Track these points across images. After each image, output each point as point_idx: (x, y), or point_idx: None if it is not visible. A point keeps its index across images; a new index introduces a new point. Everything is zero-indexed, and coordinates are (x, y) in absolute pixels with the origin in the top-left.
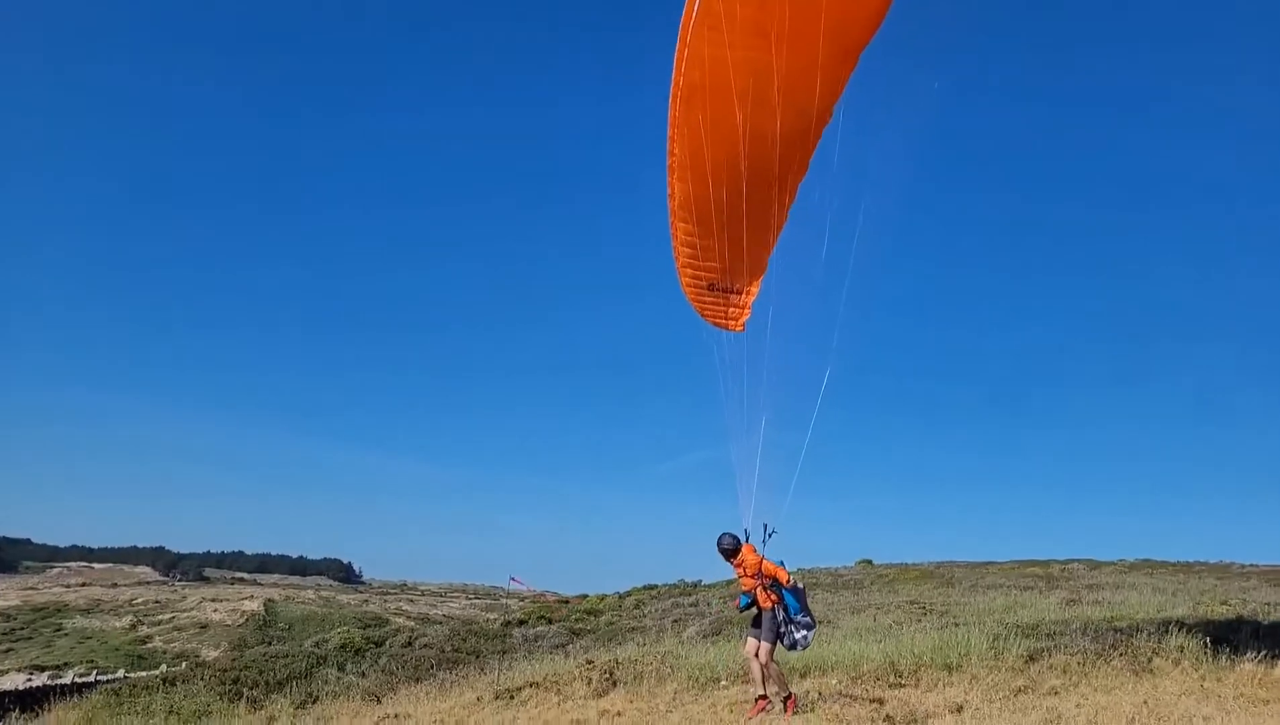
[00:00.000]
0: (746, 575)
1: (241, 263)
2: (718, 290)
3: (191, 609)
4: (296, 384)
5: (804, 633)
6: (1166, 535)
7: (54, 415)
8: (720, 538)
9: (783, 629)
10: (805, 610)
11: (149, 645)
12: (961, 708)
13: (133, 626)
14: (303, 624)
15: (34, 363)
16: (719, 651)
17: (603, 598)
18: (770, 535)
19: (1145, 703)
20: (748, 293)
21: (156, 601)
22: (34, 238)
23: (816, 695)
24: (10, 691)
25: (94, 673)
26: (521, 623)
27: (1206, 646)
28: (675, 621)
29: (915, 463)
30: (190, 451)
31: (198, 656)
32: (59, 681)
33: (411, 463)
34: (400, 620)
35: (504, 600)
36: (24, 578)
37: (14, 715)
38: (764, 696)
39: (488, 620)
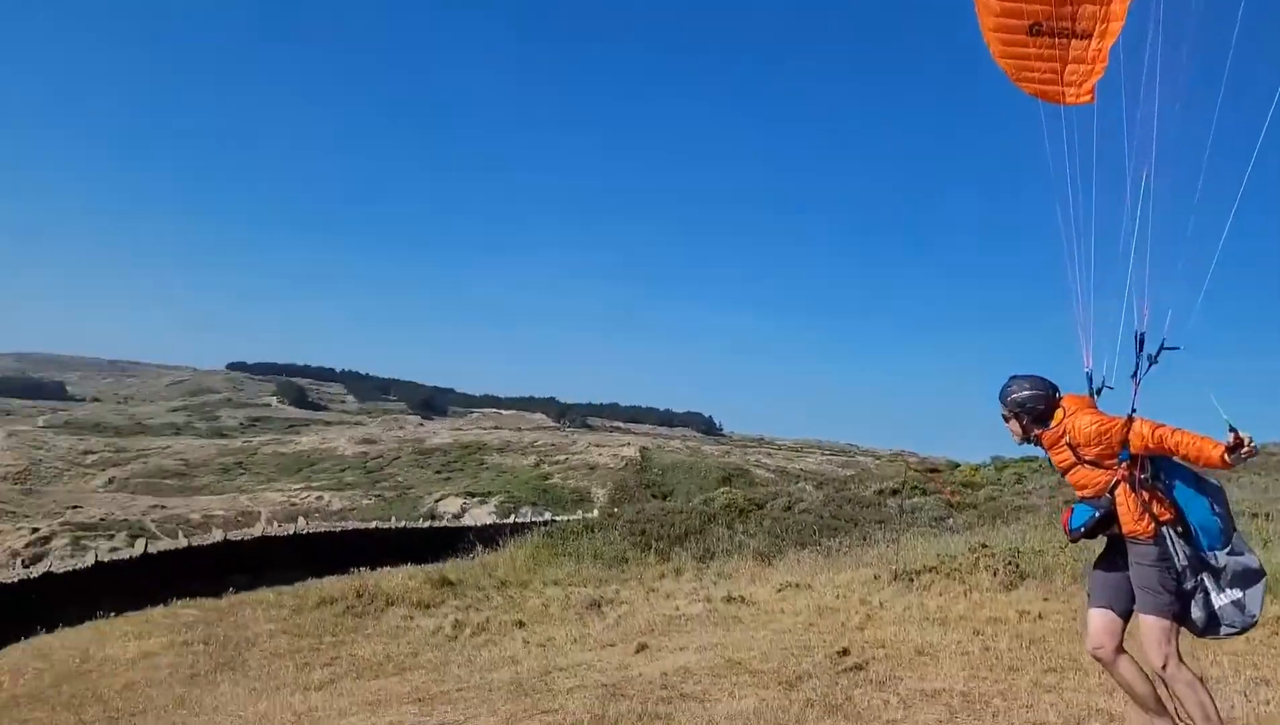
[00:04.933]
0: (1083, 460)
1: None
2: (1044, 33)
3: (581, 452)
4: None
5: (1236, 593)
6: None
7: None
8: (1006, 387)
9: (1188, 581)
10: (1233, 536)
11: (550, 482)
12: None
13: (536, 464)
14: (674, 469)
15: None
16: None
17: (976, 468)
18: (1158, 356)
19: None
20: (1100, 36)
21: (553, 444)
22: None
23: None
24: (475, 527)
25: (519, 509)
26: (895, 492)
27: None
28: (1067, 502)
29: None
30: (573, 315)
31: (588, 493)
32: (506, 521)
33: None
34: (760, 472)
35: (859, 458)
36: (451, 420)
37: (479, 548)
38: None
39: (858, 485)
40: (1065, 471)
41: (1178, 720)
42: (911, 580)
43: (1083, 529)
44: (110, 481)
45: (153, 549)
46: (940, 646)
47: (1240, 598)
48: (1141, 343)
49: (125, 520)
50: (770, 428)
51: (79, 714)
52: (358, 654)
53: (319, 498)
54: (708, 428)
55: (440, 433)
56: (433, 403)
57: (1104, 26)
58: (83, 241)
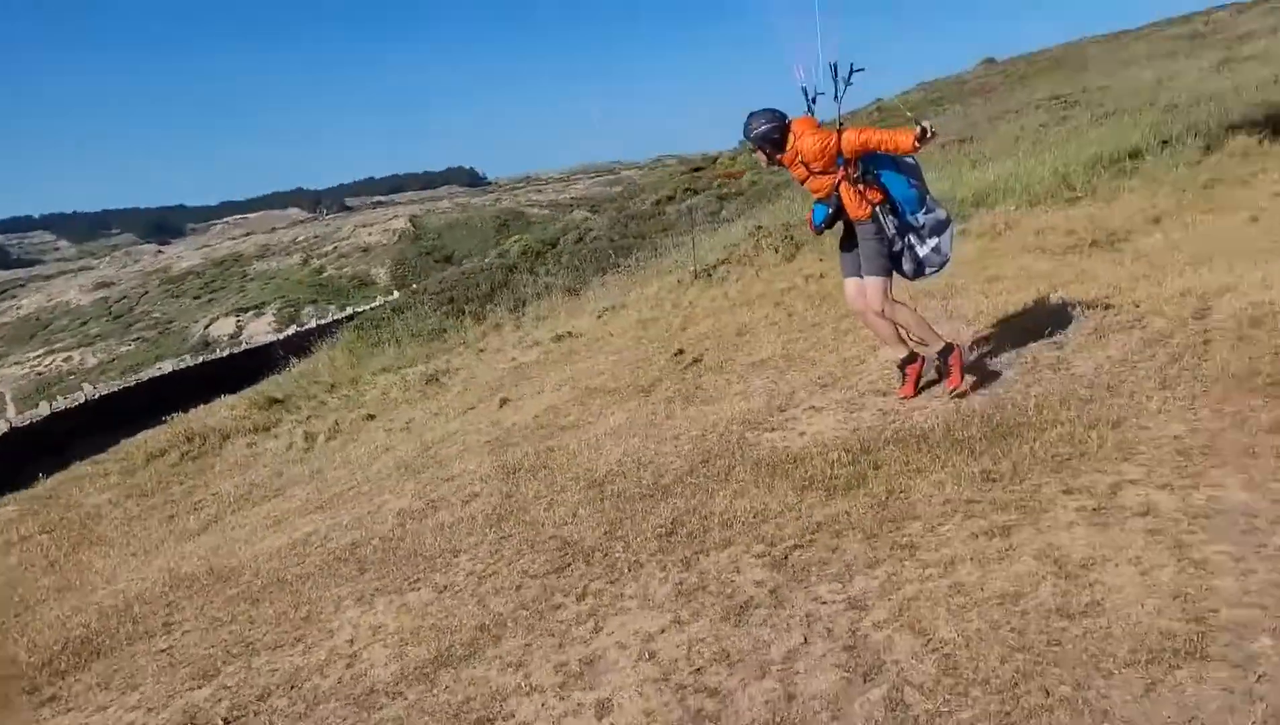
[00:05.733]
0: (813, 172)
1: None
2: None
3: (348, 236)
4: None
5: (934, 240)
6: None
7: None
8: (747, 124)
9: (897, 244)
10: (926, 199)
11: (324, 275)
12: (1159, 218)
13: (304, 261)
14: (449, 230)
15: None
16: None
17: (733, 157)
18: (851, 77)
19: None
20: None
21: (315, 236)
22: None
23: (1000, 229)
24: (280, 341)
25: (301, 312)
26: (670, 199)
27: None
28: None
29: None
30: (302, 91)
31: (369, 276)
32: (306, 327)
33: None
34: (534, 211)
35: (624, 173)
36: (194, 238)
37: (292, 359)
38: (912, 358)
39: (635, 201)
40: (803, 181)
41: (908, 341)
42: (710, 274)
43: (822, 225)
44: None
45: None
46: (753, 323)
47: (937, 243)
48: (835, 70)
49: None
50: (535, 164)
51: None
52: (221, 490)
53: (67, 359)
54: (472, 180)
55: (187, 255)
56: (165, 225)
57: None
58: None
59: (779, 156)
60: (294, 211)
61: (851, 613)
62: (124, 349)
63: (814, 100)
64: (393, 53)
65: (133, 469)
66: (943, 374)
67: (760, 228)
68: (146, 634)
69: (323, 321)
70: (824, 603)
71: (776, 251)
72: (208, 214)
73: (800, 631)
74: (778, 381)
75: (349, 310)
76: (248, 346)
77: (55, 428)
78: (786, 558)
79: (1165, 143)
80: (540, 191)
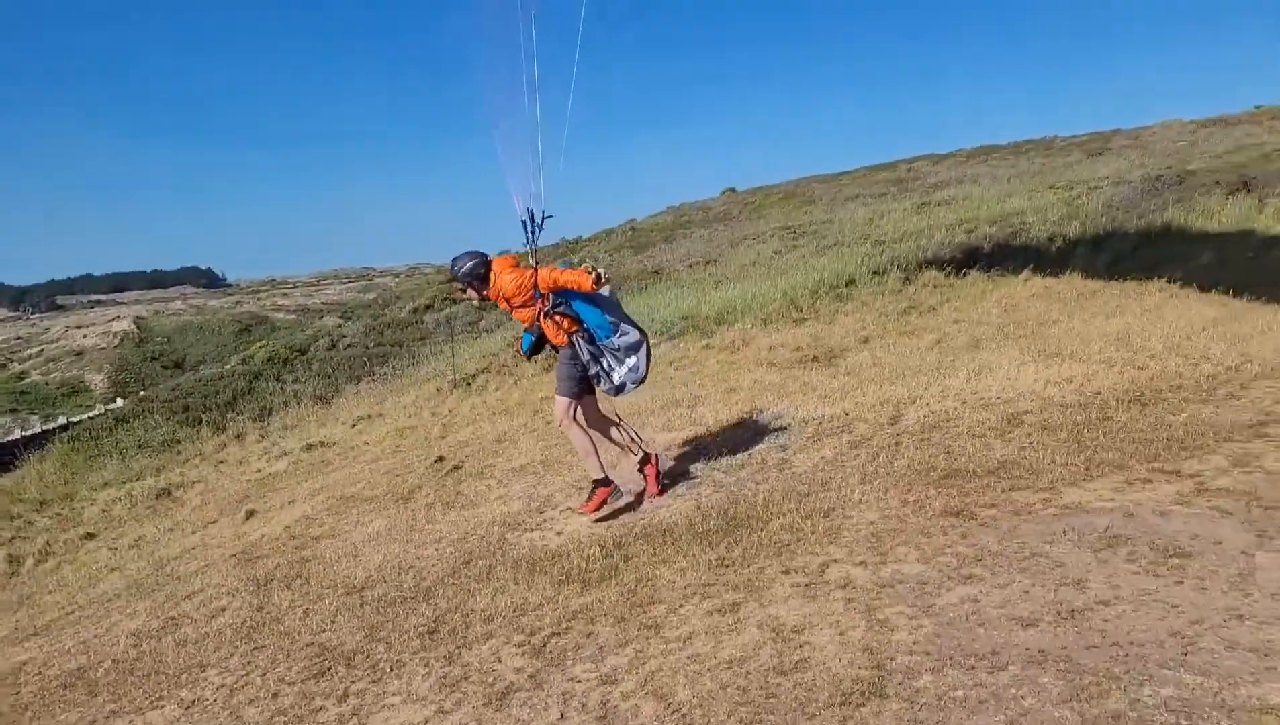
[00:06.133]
0: (514, 306)
1: None
2: None
3: (58, 338)
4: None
5: (631, 359)
6: (999, 117)
7: None
8: (454, 264)
9: (593, 368)
10: (620, 322)
11: (26, 380)
12: (868, 339)
13: (3, 365)
14: (180, 334)
15: None
16: (633, 308)
17: None
18: (541, 224)
19: (1005, 309)
20: None
21: (19, 337)
22: None
23: (739, 345)
24: None
25: (31, 423)
26: (428, 307)
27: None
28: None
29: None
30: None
31: (83, 383)
32: (10, 438)
33: (255, 153)
34: (280, 316)
35: (378, 279)
36: None
37: None
38: (603, 481)
39: (391, 308)
40: (510, 312)
41: (630, 447)
42: (469, 383)
43: (529, 350)
44: None
45: None
46: (512, 431)
47: (634, 361)
48: (531, 217)
49: None
50: (281, 267)
51: None
52: None
53: None
54: (210, 281)
55: None
56: None
57: None
58: None
59: (485, 292)
60: None
61: (604, 687)
62: None
63: (540, 226)
64: (118, 139)
65: None
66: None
67: (519, 338)
68: None
69: (26, 432)
70: (579, 681)
71: (535, 362)
72: None
73: (558, 708)
74: (536, 485)
75: (62, 420)
76: None
77: None
78: (545, 645)
79: (875, 273)
80: (287, 295)
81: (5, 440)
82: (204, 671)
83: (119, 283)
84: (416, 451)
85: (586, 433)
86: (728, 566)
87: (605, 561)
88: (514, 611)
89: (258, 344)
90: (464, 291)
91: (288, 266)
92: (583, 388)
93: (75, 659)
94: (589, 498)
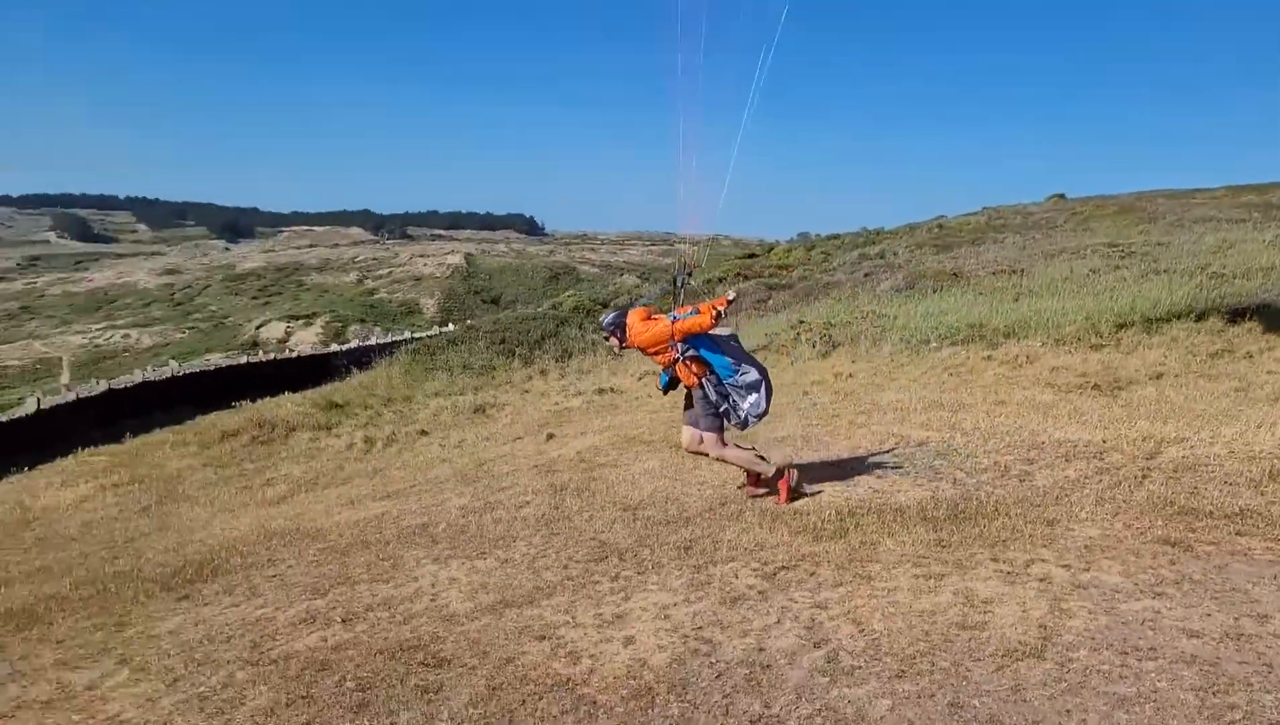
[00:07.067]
0: (649, 353)
1: None
2: None
3: (404, 263)
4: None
5: (753, 397)
6: None
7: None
8: (601, 320)
9: (722, 406)
10: (742, 361)
11: (376, 296)
12: (1161, 375)
13: (359, 281)
14: (500, 273)
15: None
16: (924, 309)
17: (788, 250)
18: (685, 283)
19: None
20: None
21: (374, 258)
22: None
23: (1022, 362)
24: (345, 351)
25: (347, 328)
26: (721, 280)
27: None
28: (867, 275)
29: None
30: (383, 121)
31: (418, 305)
32: (368, 342)
33: (585, 114)
34: (586, 268)
35: (677, 246)
36: (260, 241)
37: (353, 370)
38: (778, 473)
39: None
40: (649, 356)
41: (761, 471)
42: None
43: (665, 388)
44: None
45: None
46: (779, 406)
47: (756, 398)
48: (674, 280)
49: None
50: (592, 223)
51: (73, 548)
52: (291, 473)
53: (125, 336)
54: (530, 228)
55: (251, 256)
56: (237, 225)
57: None
58: None
59: (625, 342)
60: (356, 231)
61: (815, 610)
62: (178, 336)
63: (683, 285)
64: (479, 102)
65: (209, 443)
66: (773, 490)
67: (802, 322)
68: (255, 565)
69: (380, 341)
70: (796, 602)
71: (813, 346)
72: (277, 221)
73: (775, 615)
74: (791, 456)
75: (406, 334)
76: (313, 352)
77: (143, 394)
78: (775, 574)
79: (1197, 313)
80: (594, 251)
81: (365, 344)
82: (514, 542)
83: (456, 221)
84: None
85: (738, 447)
86: (944, 547)
87: (838, 523)
88: (754, 546)
89: (566, 293)
90: (607, 339)
91: (598, 222)
92: (722, 422)
93: (419, 518)
94: (776, 493)
